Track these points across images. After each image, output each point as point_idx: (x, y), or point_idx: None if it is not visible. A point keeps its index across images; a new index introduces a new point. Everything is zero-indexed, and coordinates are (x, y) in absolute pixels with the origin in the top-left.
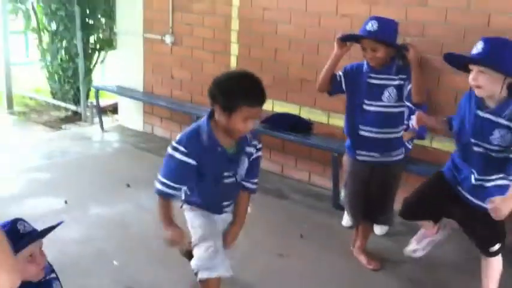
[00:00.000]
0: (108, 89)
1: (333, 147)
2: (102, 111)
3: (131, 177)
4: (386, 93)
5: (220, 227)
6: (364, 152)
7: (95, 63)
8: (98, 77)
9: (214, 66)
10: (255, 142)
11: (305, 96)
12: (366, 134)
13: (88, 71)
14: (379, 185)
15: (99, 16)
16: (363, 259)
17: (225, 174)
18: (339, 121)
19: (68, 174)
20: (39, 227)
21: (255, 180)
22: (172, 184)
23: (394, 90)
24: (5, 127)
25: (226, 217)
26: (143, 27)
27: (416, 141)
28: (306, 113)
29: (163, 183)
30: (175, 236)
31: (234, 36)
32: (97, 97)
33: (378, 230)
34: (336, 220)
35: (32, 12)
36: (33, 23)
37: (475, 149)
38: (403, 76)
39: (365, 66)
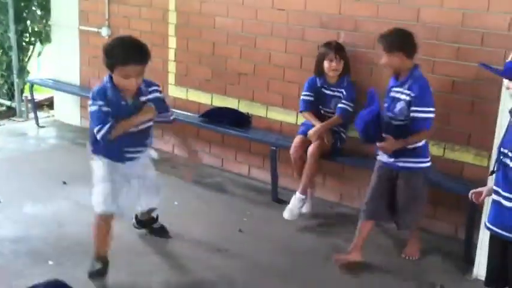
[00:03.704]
0: (43, 83)
1: (271, 141)
2: (37, 106)
3: (68, 173)
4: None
5: (125, 175)
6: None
7: (30, 57)
8: (35, 71)
9: (152, 59)
10: (152, 88)
11: (243, 89)
12: None
13: (23, 65)
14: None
15: (34, 8)
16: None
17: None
18: (276, 114)
19: (3, 172)
20: None
21: (169, 113)
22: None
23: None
24: None
25: (134, 165)
26: (79, 20)
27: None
28: (244, 107)
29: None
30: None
31: (171, 29)
32: (31, 91)
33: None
34: (275, 213)
35: None
36: None
37: None
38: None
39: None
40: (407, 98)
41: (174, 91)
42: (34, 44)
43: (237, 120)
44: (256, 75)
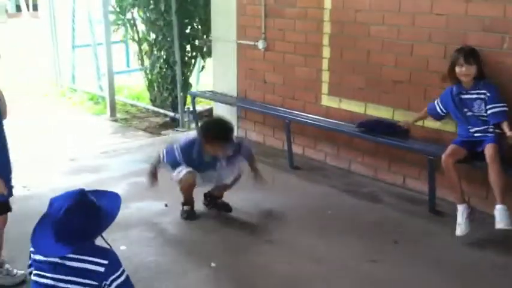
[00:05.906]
0: (204, 95)
1: (429, 150)
2: (198, 116)
3: None
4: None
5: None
6: None
7: (192, 70)
8: (194, 84)
9: (306, 69)
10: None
11: (398, 98)
12: None
13: (185, 78)
14: None
15: (196, 25)
16: None
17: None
18: (434, 123)
19: (168, 178)
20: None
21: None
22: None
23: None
24: (108, 133)
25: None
26: (237, 34)
27: None
28: (399, 116)
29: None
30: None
31: (325, 40)
32: (193, 103)
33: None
34: (432, 225)
35: (132, 23)
36: (134, 33)
37: None
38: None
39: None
40: None
41: (327, 101)
42: (196, 58)
43: (393, 133)
44: (412, 83)
